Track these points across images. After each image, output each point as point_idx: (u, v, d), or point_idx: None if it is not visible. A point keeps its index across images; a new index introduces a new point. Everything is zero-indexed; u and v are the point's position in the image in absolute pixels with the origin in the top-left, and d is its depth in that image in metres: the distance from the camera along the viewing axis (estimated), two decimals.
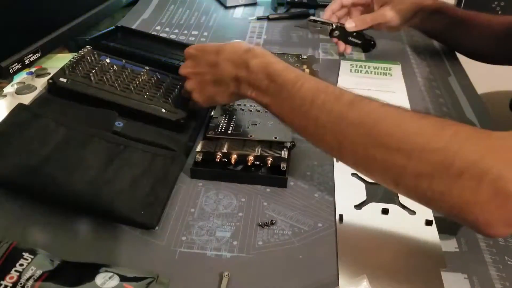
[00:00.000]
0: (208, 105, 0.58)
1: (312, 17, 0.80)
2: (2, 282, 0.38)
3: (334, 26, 0.78)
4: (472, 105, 0.69)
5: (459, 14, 0.79)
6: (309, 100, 0.45)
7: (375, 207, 0.51)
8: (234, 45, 0.52)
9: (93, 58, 0.65)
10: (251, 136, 0.55)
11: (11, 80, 0.70)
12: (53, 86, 0.61)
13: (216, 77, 0.53)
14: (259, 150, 0.54)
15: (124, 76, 0.63)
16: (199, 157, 0.54)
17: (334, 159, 0.57)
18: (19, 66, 0.67)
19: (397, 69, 0.78)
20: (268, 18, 0.97)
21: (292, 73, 0.47)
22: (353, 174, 0.55)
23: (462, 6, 1.02)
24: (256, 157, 0.53)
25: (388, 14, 0.78)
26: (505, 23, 0.75)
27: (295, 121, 0.47)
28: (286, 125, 0.49)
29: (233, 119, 0.59)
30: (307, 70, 0.70)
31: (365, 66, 0.78)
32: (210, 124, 0.58)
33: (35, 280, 0.38)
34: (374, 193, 0.53)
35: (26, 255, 0.40)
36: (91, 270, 0.40)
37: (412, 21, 0.80)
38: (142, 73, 0.64)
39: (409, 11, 0.78)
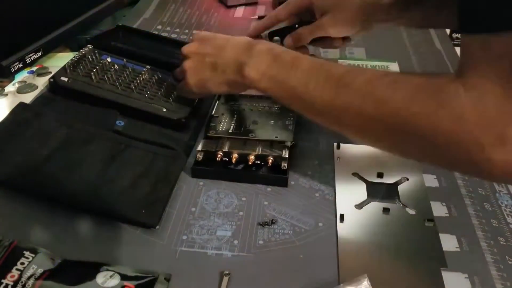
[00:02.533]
0: (197, 91, 0.56)
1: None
2: (3, 280, 0.38)
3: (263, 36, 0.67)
4: None
5: None
6: (303, 83, 0.46)
7: (376, 207, 0.51)
8: (243, 37, 0.56)
9: (94, 57, 0.65)
10: (252, 135, 0.55)
11: (13, 79, 0.70)
12: (54, 85, 0.61)
13: (217, 60, 0.54)
14: (260, 149, 0.54)
15: (125, 75, 0.63)
16: (200, 156, 0.54)
17: (335, 159, 0.57)
18: (20, 65, 0.67)
19: (394, 68, 0.78)
20: None
21: (291, 53, 0.49)
22: (353, 174, 0.55)
23: None
24: (257, 156, 0.53)
25: (328, 26, 0.60)
26: None
27: (294, 104, 0.48)
28: (286, 106, 0.50)
29: (234, 118, 0.59)
30: None
31: (362, 66, 0.78)
32: (211, 123, 0.58)
33: (36, 279, 0.38)
34: (375, 193, 0.53)
35: (27, 253, 0.40)
36: (92, 269, 0.40)
37: (369, 26, 0.62)
38: (143, 72, 0.64)
39: (358, 17, 0.60)
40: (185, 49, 0.56)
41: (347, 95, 0.43)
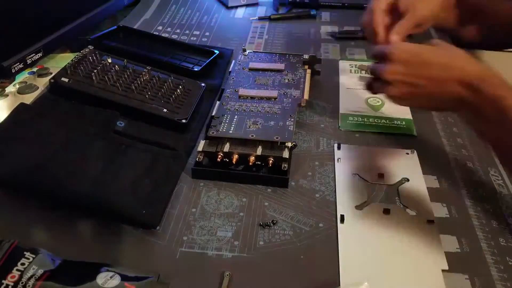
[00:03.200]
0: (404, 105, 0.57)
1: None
2: (3, 281, 0.38)
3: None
4: None
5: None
6: None
7: (376, 208, 0.51)
8: (464, 63, 0.50)
9: (95, 58, 0.65)
10: (253, 136, 0.55)
11: (13, 79, 0.70)
12: (54, 86, 0.61)
13: (435, 94, 0.51)
14: (261, 150, 0.54)
15: (126, 76, 0.63)
16: (201, 157, 0.54)
17: (335, 159, 0.57)
18: (21, 65, 0.67)
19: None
20: (269, 18, 0.97)
21: None
22: (354, 175, 0.55)
23: None
24: (258, 157, 0.53)
25: (421, 10, 0.64)
26: None
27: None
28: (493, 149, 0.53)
29: (235, 119, 0.59)
30: (309, 70, 0.71)
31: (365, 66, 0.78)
32: (212, 124, 0.58)
33: (37, 280, 0.38)
34: (375, 194, 0.53)
35: (27, 254, 0.40)
36: (92, 270, 0.40)
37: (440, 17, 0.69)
38: (143, 73, 0.64)
39: (441, 9, 0.68)
40: (389, 75, 0.51)
41: None
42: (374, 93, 0.57)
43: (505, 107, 0.47)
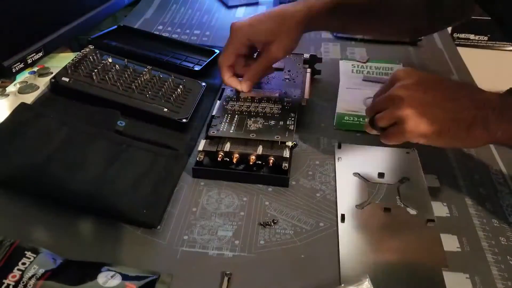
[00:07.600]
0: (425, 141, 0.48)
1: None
2: (4, 280, 0.38)
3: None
4: None
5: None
6: None
7: (377, 207, 0.51)
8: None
9: (95, 57, 0.65)
10: (253, 135, 0.55)
11: (14, 79, 0.70)
12: (55, 86, 0.61)
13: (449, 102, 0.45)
14: (261, 149, 0.54)
15: (126, 75, 0.63)
16: (201, 157, 0.54)
17: (336, 159, 0.57)
18: (21, 65, 0.67)
19: (398, 69, 0.78)
20: None
21: None
22: (354, 174, 0.55)
23: None
24: (258, 157, 0.53)
25: (277, 51, 0.60)
26: None
27: None
28: None
29: (235, 119, 0.59)
30: (309, 70, 0.70)
31: (366, 67, 0.78)
32: (212, 124, 0.58)
33: (38, 279, 0.38)
34: (376, 193, 0.53)
35: (28, 253, 0.40)
36: (93, 269, 0.40)
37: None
38: (144, 72, 0.64)
39: (297, 34, 0.61)
40: (398, 90, 0.47)
41: None
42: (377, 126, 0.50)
43: None
